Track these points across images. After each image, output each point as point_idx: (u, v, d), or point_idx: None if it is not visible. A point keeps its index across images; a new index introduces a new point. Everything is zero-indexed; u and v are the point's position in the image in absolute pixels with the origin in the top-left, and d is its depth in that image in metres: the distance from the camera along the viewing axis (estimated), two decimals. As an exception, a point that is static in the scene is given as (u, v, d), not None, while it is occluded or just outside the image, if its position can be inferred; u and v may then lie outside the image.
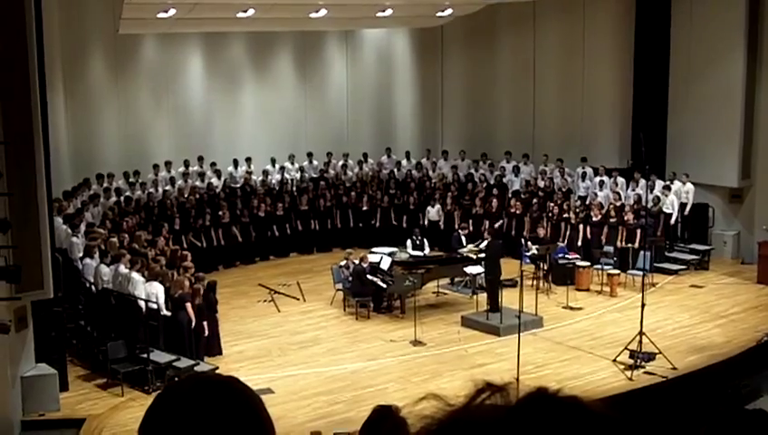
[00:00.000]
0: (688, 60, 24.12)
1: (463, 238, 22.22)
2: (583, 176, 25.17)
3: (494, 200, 24.53)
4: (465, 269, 20.33)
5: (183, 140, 25.73)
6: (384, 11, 23.77)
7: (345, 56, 28.54)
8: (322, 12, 22.73)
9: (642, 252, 20.92)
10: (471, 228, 23.23)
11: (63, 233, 18.85)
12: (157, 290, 16.48)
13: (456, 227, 23.61)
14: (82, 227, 19.71)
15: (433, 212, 25.30)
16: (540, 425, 1.23)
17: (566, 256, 21.72)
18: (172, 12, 21.14)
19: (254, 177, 25.76)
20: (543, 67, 26.97)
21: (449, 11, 25.09)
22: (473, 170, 27.00)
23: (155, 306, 16.32)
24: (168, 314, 16.56)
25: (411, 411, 1.32)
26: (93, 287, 17.45)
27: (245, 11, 21.98)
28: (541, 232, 22.45)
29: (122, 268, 16.90)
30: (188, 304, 16.57)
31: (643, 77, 25.16)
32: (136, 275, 16.68)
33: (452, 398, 1.32)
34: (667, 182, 23.61)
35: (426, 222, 25.16)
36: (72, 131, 23.39)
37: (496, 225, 23.79)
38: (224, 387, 1.74)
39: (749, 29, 22.90)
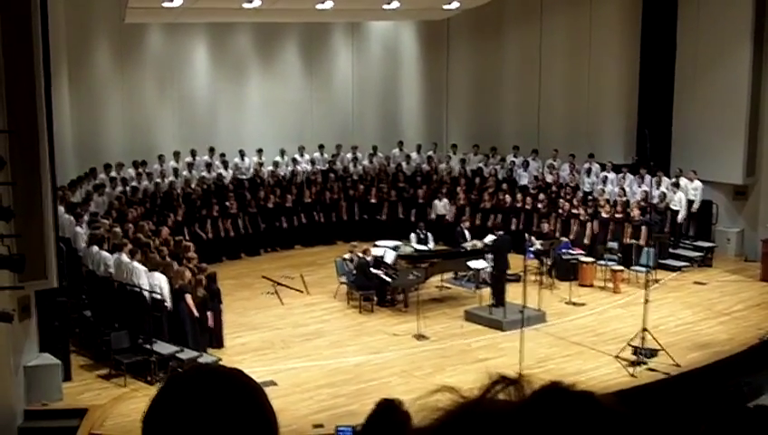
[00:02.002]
0: (695, 56, 24.09)
1: (466, 232, 22.19)
2: (588, 171, 25.14)
3: (507, 196, 24.53)
4: (468, 263, 20.31)
5: (188, 130, 25.75)
6: (390, 3, 23.70)
7: (351, 48, 28.51)
8: (329, 3, 22.69)
9: (646, 248, 20.89)
10: (472, 221, 23.21)
11: (67, 222, 18.87)
12: (159, 280, 16.47)
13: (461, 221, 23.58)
14: (86, 217, 19.72)
15: (440, 206, 25.26)
16: (553, 419, 1.23)
17: (570, 251, 21.71)
18: (178, 1, 21.11)
19: (263, 168, 25.79)
20: (550, 61, 26.94)
21: (456, 4, 25.02)
22: (482, 165, 26.95)
23: (159, 297, 16.32)
24: (170, 305, 16.53)
25: (425, 403, 1.32)
26: (96, 274, 17.45)
27: (251, 1, 21.94)
28: (545, 227, 22.42)
29: (124, 257, 16.90)
30: (188, 296, 16.56)
31: (649, 73, 25.15)
32: (138, 265, 16.68)
33: (466, 390, 1.31)
34: (675, 179, 23.58)
35: (434, 216, 25.13)
36: (76, 121, 23.41)
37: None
38: (227, 379, 1.74)
39: (756, 26, 22.85)
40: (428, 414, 1.31)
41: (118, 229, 18.84)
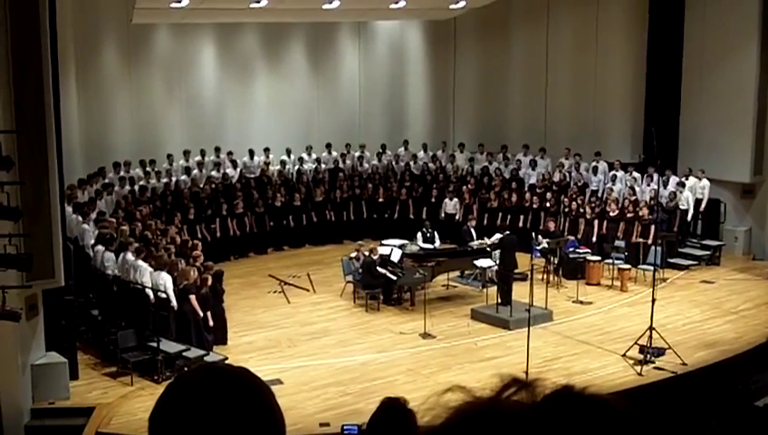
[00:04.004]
0: (701, 54, 24.03)
1: (473, 231, 22.17)
2: (594, 170, 25.08)
3: (514, 195, 24.51)
4: (475, 262, 20.31)
5: (195, 130, 25.79)
6: (397, 2, 23.72)
7: (358, 48, 28.52)
8: (335, 3, 22.70)
9: (653, 247, 20.87)
10: (477, 220, 23.17)
11: (74, 221, 18.91)
12: (165, 280, 16.46)
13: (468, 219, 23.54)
14: (93, 215, 19.76)
15: (450, 205, 25.23)
16: (565, 423, 1.23)
17: (577, 250, 21.68)
18: (185, 2, 21.14)
19: (271, 167, 25.81)
20: (556, 60, 26.90)
21: (462, 3, 25.02)
22: (487, 163, 26.93)
23: (164, 296, 16.32)
24: (175, 305, 16.52)
25: (436, 402, 1.32)
26: (104, 275, 17.49)
27: (258, 1, 21.97)
28: (551, 226, 22.39)
29: (129, 256, 16.92)
30: (192, 296, 16.56)
31: (656, 71, 25.09)
32: (142, 264, 16.69)
33: (478, 391, 1.32)
34: (683, 178, 23.53)
35: (443, 215, 25.09)
36: (84, 121, 23.45)
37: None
38: (234, 377, 1.75)
39: (763, 24, 22.77)
40: (440, 413, 1.31)
41: (125, 228, 18.87)
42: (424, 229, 22.82)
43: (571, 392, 1.29)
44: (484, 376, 15.07)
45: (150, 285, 16.39)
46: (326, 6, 23.03)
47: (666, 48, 24.72)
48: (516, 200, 24.51)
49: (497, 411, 1.27)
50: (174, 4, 21.30)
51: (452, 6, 25.44)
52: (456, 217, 24.99)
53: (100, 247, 17.87)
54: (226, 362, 14.54)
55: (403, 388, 14.60)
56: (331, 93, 28.15)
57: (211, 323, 16.87)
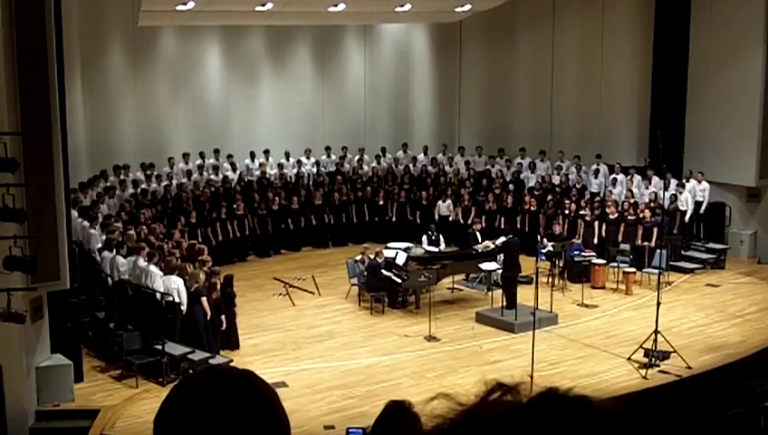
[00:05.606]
0: (707, 57, 24.01)
1: (478, 234, 22.14)
2: (596, 173, 25.07)
3: (509, 197, 24.49)
4: (480, 266, 20.28)
5: (200, 132, 25.80)
6: (403, 6, 23.73)
7: (363, 51, 28.53)
8: (341, 6, 22.72)
9: (658, 250, 20.85)
10: (483, 224, 23.15)
11: (79, 226, 18.89)
12: (177, 284, 16.42)
13: (471, 222, 23.50)
14: (99, 218, 19.75)
15: (444, 207, 25.20)
16: (550, 425, 1.23)
17: (582, 253, 21.66)
18: (191, 4, 21.17)
19: (269, 170, 25.80)
20: (562, 63, 26.89)
21: (468, 6, 25.02)
22: (489, 166, 26.94)
23: (176, 299, 16.29)
24: (184, 308, 16.51)
25: (422, 411, 1.32)
26: (110, 279, 17.50)
27: (264, 4, 21.98)
28: (557, 229, 22.37)
29: (141, 261, 16.89)
30: (204, 299, 16.56)
31: (662, 74, 25.08)
32: (154, 269, 16.68)
33: (463, 397, 1.32)
34: (683, 180, 23.51)
35: (437, 217, 25.06)
36: (89, 123, 23.49)
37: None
38: (239, 380, 1.75)
39: (768, 26, 22.77)
40: (426, 421, 1.31)
41: (132, 232, 18.85)
42: (429, 232, 22.79)
43: (556, 394, 1.29)
44: (489, 379, 15.04)
45: (162, 290, 16.37)
46: (332, 9, 23.05)
47: (672, 51, 24.71)
48: (512, 203, 24.46)
49: (482, 417, 1.27)
50: (180, 7, 21.32)
51: (458, 10, 25.45)
52: (450, 219, 24.99)
53: (108, 252, 17.86)
54: (231, 364, 14.55)
55: (408, 391, 14.60)
56: (337, 96, 28.15)
57: (224, 326, 16.87)
